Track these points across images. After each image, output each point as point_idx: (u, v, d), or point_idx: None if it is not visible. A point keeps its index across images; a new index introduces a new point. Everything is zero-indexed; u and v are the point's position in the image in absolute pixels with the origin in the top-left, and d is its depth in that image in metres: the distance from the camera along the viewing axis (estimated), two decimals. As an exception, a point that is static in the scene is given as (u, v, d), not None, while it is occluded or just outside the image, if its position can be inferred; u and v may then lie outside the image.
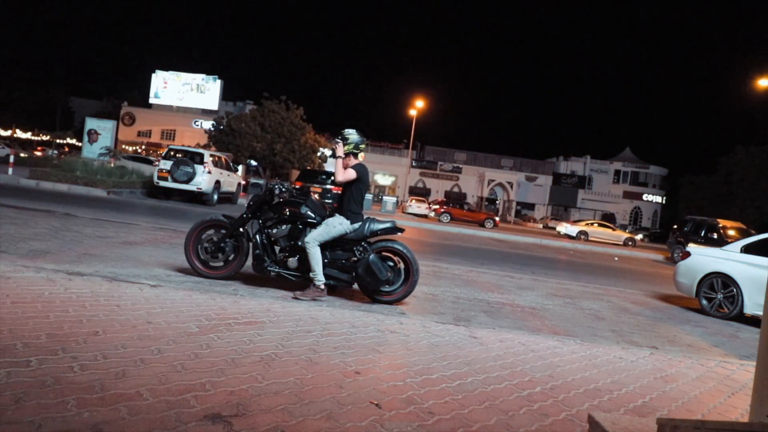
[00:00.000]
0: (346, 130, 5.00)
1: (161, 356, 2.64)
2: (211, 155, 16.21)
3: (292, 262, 4.84)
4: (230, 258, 5.01)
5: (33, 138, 54.14)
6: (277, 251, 5.02)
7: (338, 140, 4.94)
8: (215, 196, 15.66)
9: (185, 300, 3.83)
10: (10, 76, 52.14)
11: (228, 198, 17.71)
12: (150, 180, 15.74)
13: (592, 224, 29.49)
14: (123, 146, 46.22)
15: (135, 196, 15.18)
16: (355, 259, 4.85)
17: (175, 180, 14.74)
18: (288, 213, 4.92)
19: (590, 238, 27.30)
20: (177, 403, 2.14)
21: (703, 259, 7.29)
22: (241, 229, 4.98)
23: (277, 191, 4.99)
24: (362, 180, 4.86)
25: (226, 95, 52.29)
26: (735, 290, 6.71)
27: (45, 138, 54.28)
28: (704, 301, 7.04)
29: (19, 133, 52.61)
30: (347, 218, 4.79)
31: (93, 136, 19.24)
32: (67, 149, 48.28)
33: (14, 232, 6.11)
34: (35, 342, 2.59)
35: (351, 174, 4.84)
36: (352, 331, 3.63)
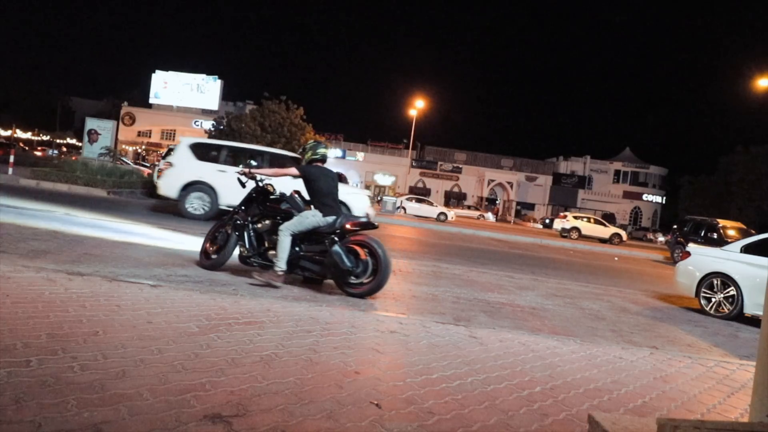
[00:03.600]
0: (308, 143, 5.48)
1: (161, 356, 2.64)
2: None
3: (274, 254, 5.07)
4: (220, 250, 5.42)
5: (33, 138, 54.11)
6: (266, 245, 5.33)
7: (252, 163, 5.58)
8: (215, 196, 15.63)
9: (185, 300, 3.83)
10: (10, 76, 52.15)
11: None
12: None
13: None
14: (123, 146, 46.21)
15: (135, 196, 15.18)
16: (327, 251, 5.05)
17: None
18: (270, 208, 5.31)
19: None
20: (177, 403, 2.14)
21: (703, 259, 7.29)
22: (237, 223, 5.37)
23: (267, 189, 5.40)
24: (309, 179, 5.16)
25: (226, 95, 52.23)
26: (735, 290, 6.71)
27: (45, 138, 54.26)
28: (704, 301, 7.04)
29: (19, 133, 52.56)
30: (320, 211, 5.06)
31: (93, 136, 19.23)
32: (65, 149, 48.26)
33: (14, 232, 6.11)
34: (35, 342, 2.59)
35: (286, 171, 5.31)
36: (352, 331, 3.62)
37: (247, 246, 5.24)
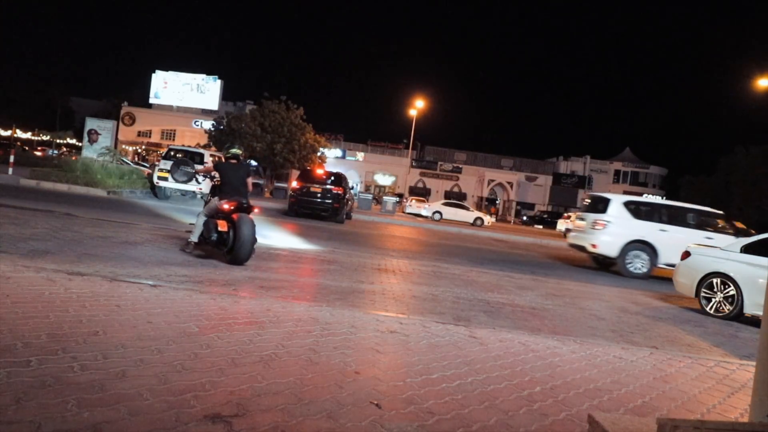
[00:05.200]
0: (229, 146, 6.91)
1: (161, 356, 2.64)
2: (211, 155, 16.20)
3: (213, 236, 6.06)
4: None
5: (33, 138, 54.08)
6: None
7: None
8: (215, 196, 15.63)
9: (185, 300, 3.83)
10: (10, 76, 52.10)
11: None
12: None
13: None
14: (123, 146, 46.19)
15: (135, 196, 15.18)
16: None
17: (175, 180, 14.71)
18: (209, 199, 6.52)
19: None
20: (177, 403, 2.14)
21: (703, 259, 7.28)
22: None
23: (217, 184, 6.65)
24: (219, 172, 6.34)
25: (226, 95, 52.21)
26: (735, 290, 6.71)
27: (45, 138, 54.23)
28: (704, 301, 7.03)
29: (19, 133, 52.52)
30: (218, 197, 6.19)
31: (93, 136, 19.20)
32: (65, 149, 48.23)
33: (14, 232, 6.11)
34: (35, 342, 2.59)
35: (209, 168, 6.98)
36: (352, 331, 3.63)
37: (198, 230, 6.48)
